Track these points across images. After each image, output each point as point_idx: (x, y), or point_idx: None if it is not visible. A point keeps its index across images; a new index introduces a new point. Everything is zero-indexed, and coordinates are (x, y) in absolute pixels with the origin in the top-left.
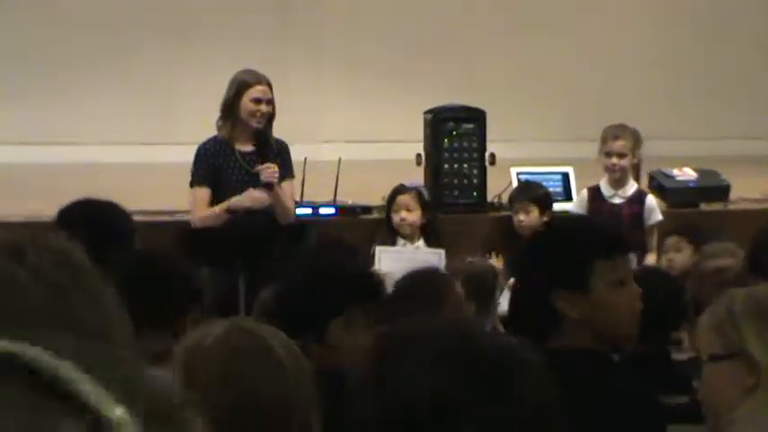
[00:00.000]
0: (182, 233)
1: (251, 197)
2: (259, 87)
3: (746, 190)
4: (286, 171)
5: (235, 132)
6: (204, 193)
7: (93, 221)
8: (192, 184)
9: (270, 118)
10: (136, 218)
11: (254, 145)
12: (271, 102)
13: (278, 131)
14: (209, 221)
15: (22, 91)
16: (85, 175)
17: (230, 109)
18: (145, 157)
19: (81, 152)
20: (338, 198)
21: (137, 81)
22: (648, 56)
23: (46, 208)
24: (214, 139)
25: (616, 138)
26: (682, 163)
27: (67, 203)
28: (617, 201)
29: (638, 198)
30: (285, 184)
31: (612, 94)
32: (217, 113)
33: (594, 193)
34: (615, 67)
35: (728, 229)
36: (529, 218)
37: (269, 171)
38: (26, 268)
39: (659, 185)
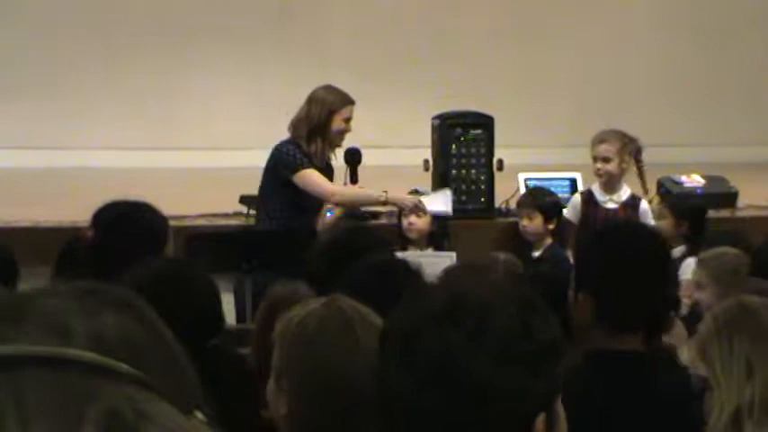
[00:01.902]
0: (188, 238)
1: (409, 200)
2: (352, 107)
3: (754, 197)
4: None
5: (319, 149)
6: (314, 173)
7: (129, 222)
8: (296, 169)
9: None
10: None
11: (347, 163)
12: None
13: (284, 137)
14: (360, 200)
15: (24, 96)
16: (88, 180)
17: (321, 130)
18: (147, 162)
19: (83, 156)
20: None
21: (139, 85)
22: (657, 62)
23: (49, 213)
24: (297, 146)
25: (600, 141)
26: (690, 170)
27: (103, 204)
28: (611, 206)
29: (632, 203)
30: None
31: (620, 100)
32: (220, 118)
33: (588, 197)
34: (623, 73)
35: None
36: (532, 224)
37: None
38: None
39: (667, 192)
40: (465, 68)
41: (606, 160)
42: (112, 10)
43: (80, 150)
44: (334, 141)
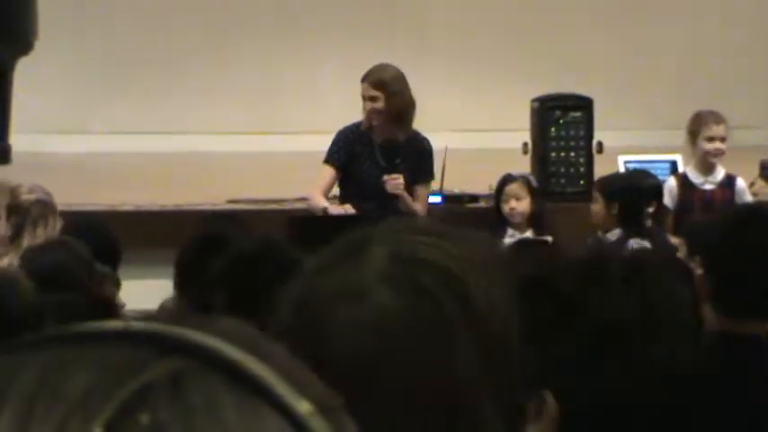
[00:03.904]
0: (289, 221)
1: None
2: (363, 85)
3: None
4: (422, 175)
5: (364, 125)
6: (327, 171)
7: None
8: (324, 159)
9: (390, 114)
10: (244, 206)
11: (381, 153)
12: (377, 99)
13: None
14: (311, 208)
15: (134, 83)
16: (195, 164)
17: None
18: (252, 146)
19: (190, 141)
20: (445, 187)
21: (244, 71)
22: (760, 41)
23: (152, 197)
24: (357, 126)
25: (719, 122)
26: None
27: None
28: (708, 187)
29: (728, 182)
30: (420, 189)
31: (722, 80)
32: (321, 102)
33: (683, 180)
34: (724, 54)
35: None
36: (594, 207)
37: (393, 182)
38: None
39: None
40: (564, 50)
41: (724, 140)
42: None
43: (184, 135)
44: (367, 117)
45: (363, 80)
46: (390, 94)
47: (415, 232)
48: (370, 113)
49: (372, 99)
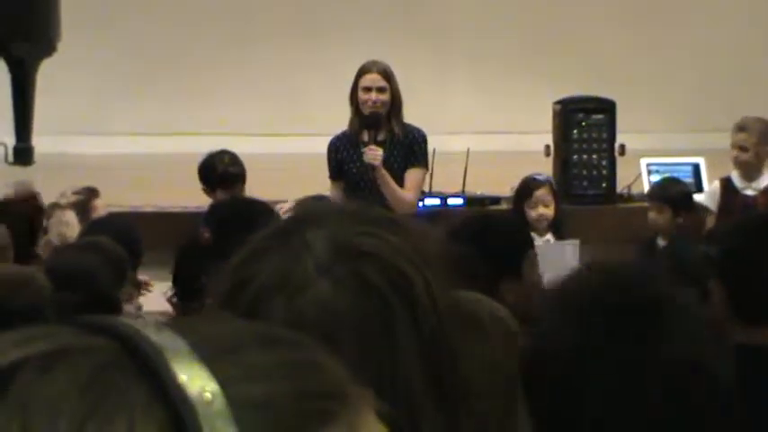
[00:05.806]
0: None
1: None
2: (369, 76)
3: None
4: (415, 159)
5: (359, 122)
6: (334, 187)
7: (244, 222)
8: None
9: (393, 106)
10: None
11: (365, 128)
12: (385, 90)
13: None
14: None
15: (156, 85)
16: None
17: (352, 98)
18: (268, 148)
19: (205, 143)
20: (467, 189)
21: (260, 72)
22: None
23: (174, 198)
24: (342, 132)
25: (740, 130)
26: None
27: (216, 203)
28: (749, 193)
29: None
30: (411, 171)
31: (745, 83)
32: (340, 104)
33: (726, 184)
34: (747, 56)
35: None
36: (661, 217)
37: (371, 152)
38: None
39: None
40: (587, 53)
41: (743, 149)
42: None
43: (206, 136)
44: (363, 113)
45: (367, 72)
46: (394, 85)
47: (356, 221)
48: (375, 105)
49: (380, 90)
